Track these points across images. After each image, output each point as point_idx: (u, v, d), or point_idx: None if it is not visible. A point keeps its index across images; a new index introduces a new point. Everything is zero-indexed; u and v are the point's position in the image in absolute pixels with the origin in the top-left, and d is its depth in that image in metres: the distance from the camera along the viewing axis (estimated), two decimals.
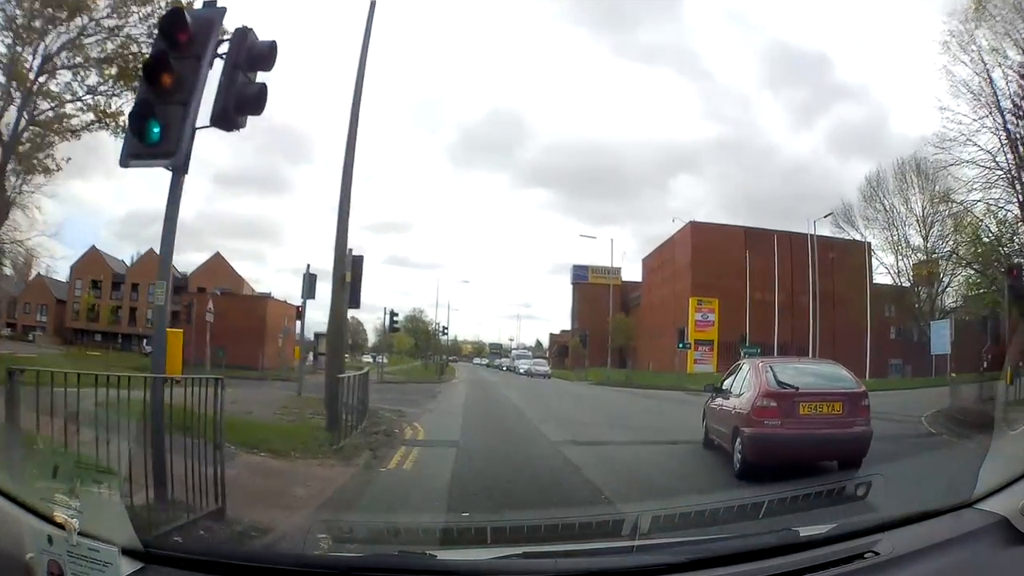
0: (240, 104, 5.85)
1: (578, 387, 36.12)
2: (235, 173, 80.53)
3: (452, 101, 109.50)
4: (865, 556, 2.17)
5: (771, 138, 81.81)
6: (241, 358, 31.58)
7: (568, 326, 77.80)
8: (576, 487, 7.32)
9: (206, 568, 2.08)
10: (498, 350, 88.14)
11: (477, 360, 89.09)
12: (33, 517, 1.95)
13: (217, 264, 58.52)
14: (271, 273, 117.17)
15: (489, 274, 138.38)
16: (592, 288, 68.38)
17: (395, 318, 34.29)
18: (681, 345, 39.32)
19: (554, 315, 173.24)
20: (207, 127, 5.73)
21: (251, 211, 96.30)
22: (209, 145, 74.30)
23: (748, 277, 45.02)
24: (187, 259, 66.19)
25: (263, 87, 6.06)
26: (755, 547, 2.34)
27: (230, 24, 6.30)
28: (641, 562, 2.39)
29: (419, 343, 66.87)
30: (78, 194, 79.24)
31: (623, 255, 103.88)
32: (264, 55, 6.06)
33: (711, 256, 46.68)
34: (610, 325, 50.07)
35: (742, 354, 35.84)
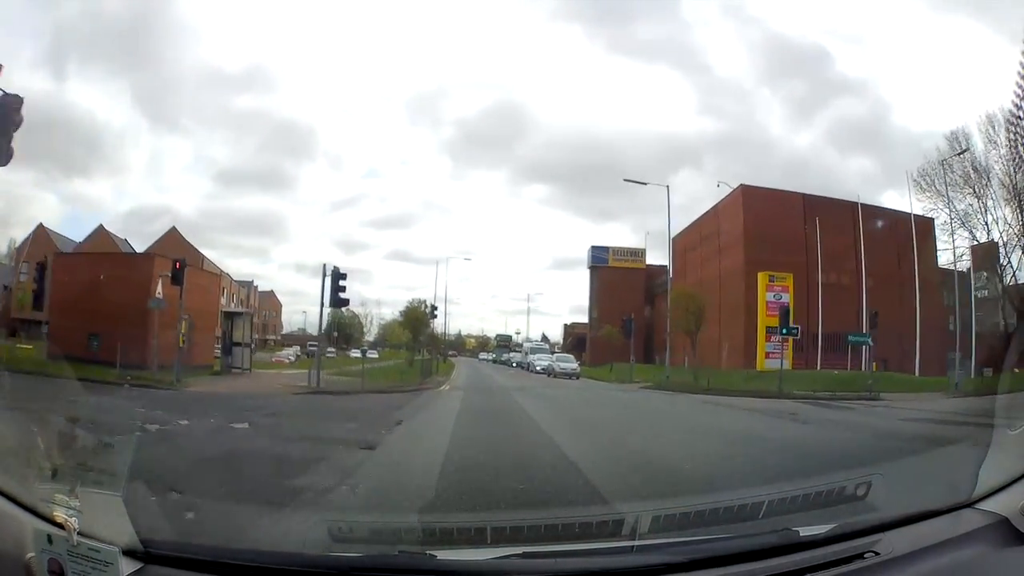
0: None
1: (634, 395, 23.71)
2: (237, 170, 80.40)
3: (452, 97, 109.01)
4: (865, 556, 2.17)
5: (771, 132, 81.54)
6: (131, 352, 21.05)
7: (574, 319, 73.49)
8: None
9: (206, 568, 2.08)
10: (506, 342, 76.83)
11: (483, 355, 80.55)
12: (33, 517, 1.95)
13: (172, 241, 49.86)
14: (274, 270, 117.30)
15: (490, 269, 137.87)
16: (612, 273, 61.92)
17: (341, 282, 22.36)
18: (784, 331, 29.20)
19: (556, 309, 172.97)
20: None
21: (253, 208, 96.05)
22: (210, 145, 74.60)
23: (818, 252, 37.23)
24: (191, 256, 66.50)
25: None
26: (755, 547, 2.34)
27: None
28: (641, 562, 2.39)
29: (416, 336, 58.14)
30: (80, 191, 79.22)
31: (647, 234, 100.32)
32: None
33: (766, 227, 38.83)
34: (669, 303, 38.04)
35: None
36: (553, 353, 50.68)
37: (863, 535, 2.35)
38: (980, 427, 7.66)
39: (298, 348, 61.15)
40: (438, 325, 57.63)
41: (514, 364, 55.79)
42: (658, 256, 60.85)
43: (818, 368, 33.85)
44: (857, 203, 38.84)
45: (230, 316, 28.09)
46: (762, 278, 37.66)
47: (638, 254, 63.07)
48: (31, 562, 1.86)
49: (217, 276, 30.21)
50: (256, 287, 73.72)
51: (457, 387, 25.35)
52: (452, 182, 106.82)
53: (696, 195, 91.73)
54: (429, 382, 26.75)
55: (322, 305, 23.57)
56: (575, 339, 68.46)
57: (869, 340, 29.09)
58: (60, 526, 1.90)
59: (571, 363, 40.62)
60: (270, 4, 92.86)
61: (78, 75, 70.87)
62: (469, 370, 44.56)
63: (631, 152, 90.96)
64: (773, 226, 38.48)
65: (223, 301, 57.71)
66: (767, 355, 34.60)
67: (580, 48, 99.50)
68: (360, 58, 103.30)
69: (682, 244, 52.11)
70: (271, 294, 78.94)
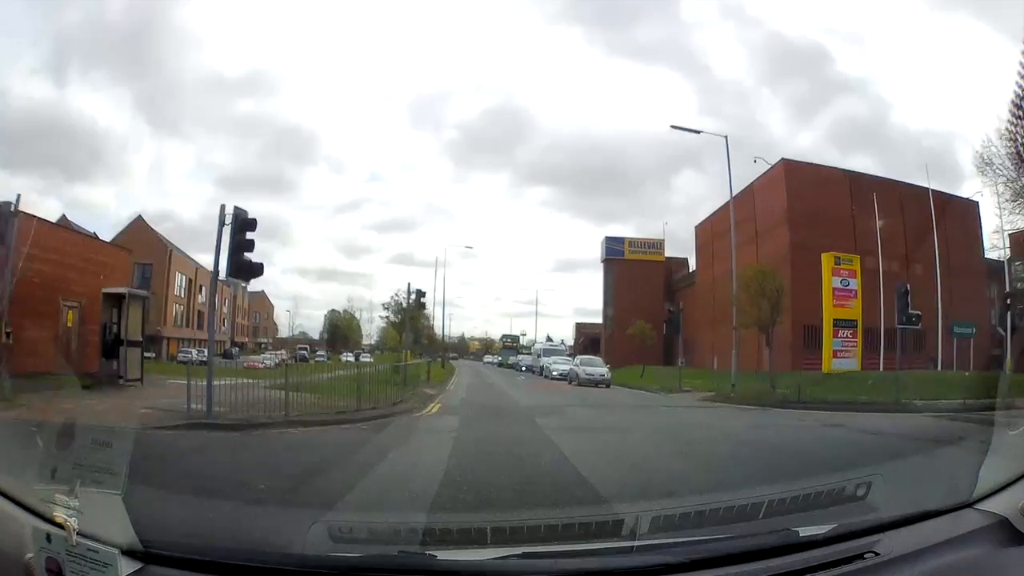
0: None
1: (734, 418, 16.19)
2: (239, 175, 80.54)
3: (453, 101, 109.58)
4: (865, 556, 2.17)
5: (772, 132, 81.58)
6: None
7: (578, 320, 71.35)
8: None
9: (206, 568, 2.08)
10: (513, 343, 69.74)
11: (488, 358, 76.01)
12: (33, 517, 1.95)
13: (139, 231, 45.52)
14: (277, 274, 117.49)
15: (493, 272, 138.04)
16: (629, 267, 57.90)
17: (248, 234, 12.48)
18: (906, 320, 21.11)
19: (560, 311, 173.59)
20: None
21: (255, 212, 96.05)
22: (212, 150, 74.49)
23: (877, 235, 32.18)
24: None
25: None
26: (755, 547, 2.34)
27: None
28: (641, 562, 2.39)
29: (403, 332, 55.17)
30: (82, 197, 79.26)
31: (665, 225, 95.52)
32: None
33: (811, 206, 33.88)
34: (734, 287, 27.15)
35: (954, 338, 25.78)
36: (573, 356, 42.14)
37: (863, 535, 2.35)
38: None
39: (284, 352, 58.00)
40: (436, 323, 52.97)
41: (523, 368, 49.41)
42: (675, 250, 58.93)
43: (880, 368, 28.77)
44: (895, 183, 34.88)
45: (114, 300, 18.00)
46: (827, 260, 31.03)
47: (657, 246, 59.59)
48: (30, 562, 1.86)
49: (124, 253, 23.25)
50: (245, 287, 70.02)
51: (451, 407, 17.04)
52: (454, 185, 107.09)
53: (698, 196, 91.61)
54: (410, 398, 17.82)
55: (216, 271, 13.09)
56: (587, 339, 63.01)
57: (974, 331, 25.40)
58: (59, 526, 1.90)
59: (599, 367, 31.77)
60: (272, 9, 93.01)
61: (80, 81, 71.08)
62: (471, 377, 37.07)
63: (632, 153, 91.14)
64: (818, 206, 33.61)
65: (202, 300, 53.33)
66: (835, 354, 28.59)
67: (580, 51, 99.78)
68: (361, 62, 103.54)
69: (707, 233, 46.23)
70: (262, 295, 76.90)
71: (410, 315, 34.94)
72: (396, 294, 50.26)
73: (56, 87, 70.87)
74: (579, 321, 72.88)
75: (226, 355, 47.27)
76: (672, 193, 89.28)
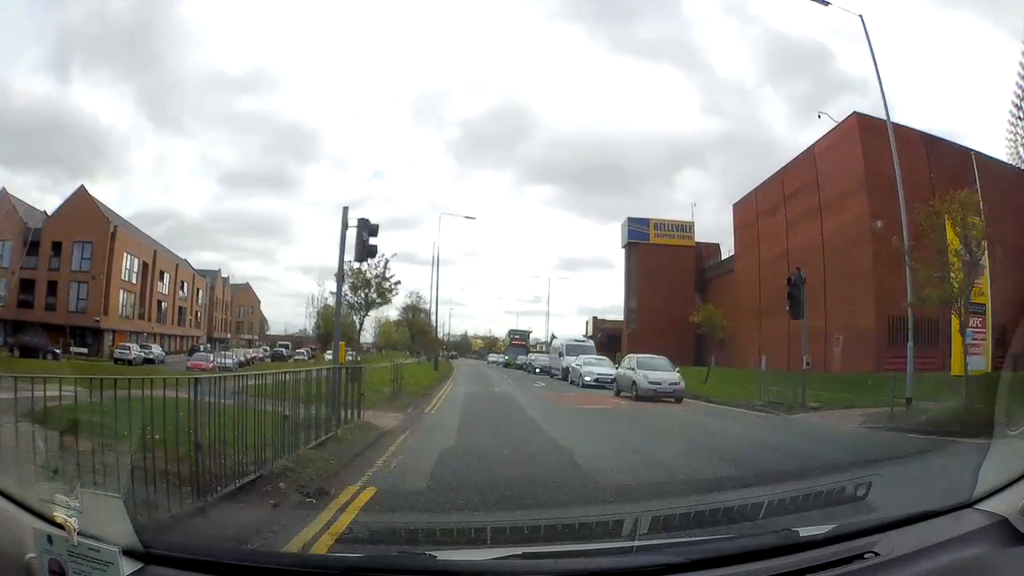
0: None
1: None
2: (242, 172, 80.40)
3: (456, 98, 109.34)
4: (865, 556, 2.17)
5: (774, 131, 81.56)
6: None
7: (581, 320, 66.87)
8: None
9: (206, 568, 2.08)
10: (521, 339, 58.98)
11: (493, 357, 67.71)
12: (33, 517, 1.95)
13: (80, 204, 39.89)
14: (280, 271, 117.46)
15: (496, 271, 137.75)
16: (655, 252, 51.06)
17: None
18: None
19: (563, 310, 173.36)
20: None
21: (259, 210, 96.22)
22: (215, 147, 74.41)
23: (980, 206, 19.57)
24: (197, 258, 65.71)
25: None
26: (755, 547, 2.34)
27: None
28: (641, 562, 2.39)
29: (414, 335, 49.23)
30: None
31: (694, 205, 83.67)
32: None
33: (890, 171, 24.13)
34: (906, 240, 17.91)
35: None
36: (630, 357, 24.92)
37: (863, 535, 2.35)
38: None
39: (261, 349, 54.57)
40: (441, 320, 49.96)
41: (537, 370, 39.76)
42: (704, 233, 50.95)
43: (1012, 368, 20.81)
44: (979, 153, 26.65)
45: None
46: (950, 228, 21.52)
47: (686, 229, 52.90)
48: (31, 562, 1.86)
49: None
50: (227, 278, 67.14)
51: (403, 485, 6.70)
52: (457, 183, 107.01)
53: (700, 194, 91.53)
54: (342, 440, 9.08)
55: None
56: (606, 335, 54.82)
57: None
58: (60, 526, 1.90)
59: (667, 371, 21.76)
60: (274, 7, 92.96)
61: (82, 78, 71.00)
62: (471, 383, 27.81)
63: (635, 151, 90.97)
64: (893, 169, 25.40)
65: (163, 288, 48.98)
66: (967, 349, 18.81)
67: (582, 48, 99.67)
68: (364, 60, 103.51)
69: (749, 212, 40.24)
70: (247, 287, 72.94)
71: (353, 279, 22.64)
72: (412, 295, 44.35)
73: (58, 84, 70.77)
74: (581, 320, 69.14)
75: (192, 352, 41.98)
76: (676, 191, 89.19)
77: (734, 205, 45.20)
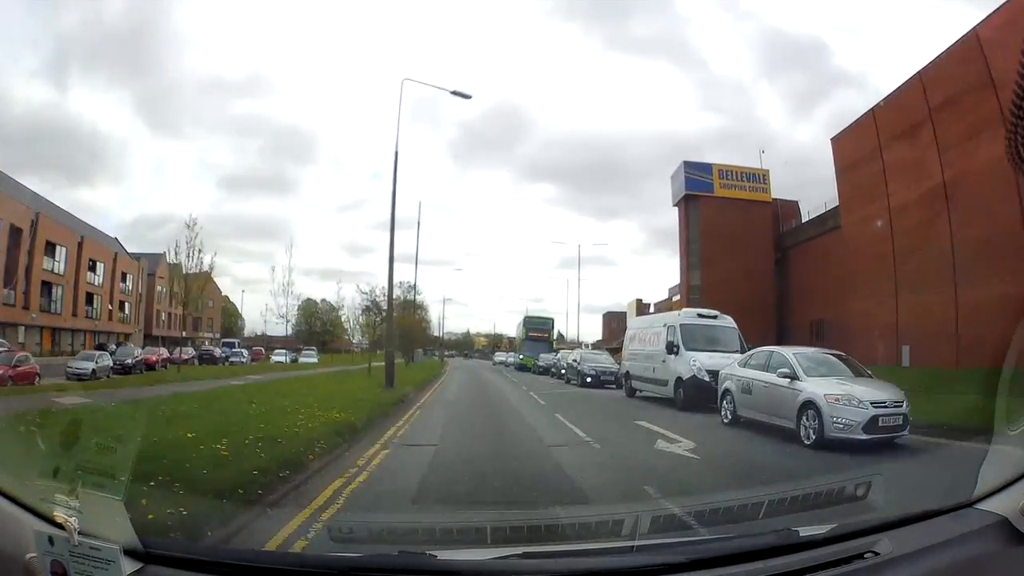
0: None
1: None
2: (241, 175, 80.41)
3: (453, 99, 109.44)
4: (865, 556, 2.17)
5: (771, 126, 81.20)
6: None
7: (583, 319, 61.93)
8: None
9: (206, 568, 2.08)
10: (541, 331, 45.15)
11: (499, 355, 58.66)
12: (34, 517, 1.95)
13: None
14: (281, 274, 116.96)
15: (497, 270, 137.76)
16: (722, 208, 38.03)
17: None
18: None
19: (564, 309, 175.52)
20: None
21: (258, 213, 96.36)
22: (214, 151, 74.37)
23: None
24: (196, 259, 64.92)
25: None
26: (755, 547, 2.34)
27: None
28: (641, 562, 2.39)
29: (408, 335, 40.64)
30: (85, 199, 79.29)
31: (762, 153, 60.25)
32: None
33: None
34: None
35: None
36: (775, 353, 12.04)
37: (863, 535, 2.35)
38: None
39: (163, 349, 37.05)
40: (434, 319, 42.81)
41: (565, 377, 28.47)
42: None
43: None
44: None
45: None
46: None
47: (759, 179, 39.28)
48: (31, 562, 1.86)
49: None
50: (176, 264, 53.36)
51: None
52: (456, 183, 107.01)
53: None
54: None
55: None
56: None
57: None
58: (60, 526, 1.90)
59: (881, 386, 10.54)
60: (270, 10, 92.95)
61: (80, 84, 71.05)
62: (457, 424, 13.30)
63: (632, 148, 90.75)
64: None
65: (94, 278, 41.37)
66: None
67: (577, 46, 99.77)
68: (361, 62, 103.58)
69: (863, 142, 28.44)
70: (206, 277, 62.64)
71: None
72: (405, 287, 37.14)
73: (57, 90, 70.78)
74: (583, 319, 64.76)
75: (113, 353, 30.74)
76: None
77: (833, 139, 32.88)
